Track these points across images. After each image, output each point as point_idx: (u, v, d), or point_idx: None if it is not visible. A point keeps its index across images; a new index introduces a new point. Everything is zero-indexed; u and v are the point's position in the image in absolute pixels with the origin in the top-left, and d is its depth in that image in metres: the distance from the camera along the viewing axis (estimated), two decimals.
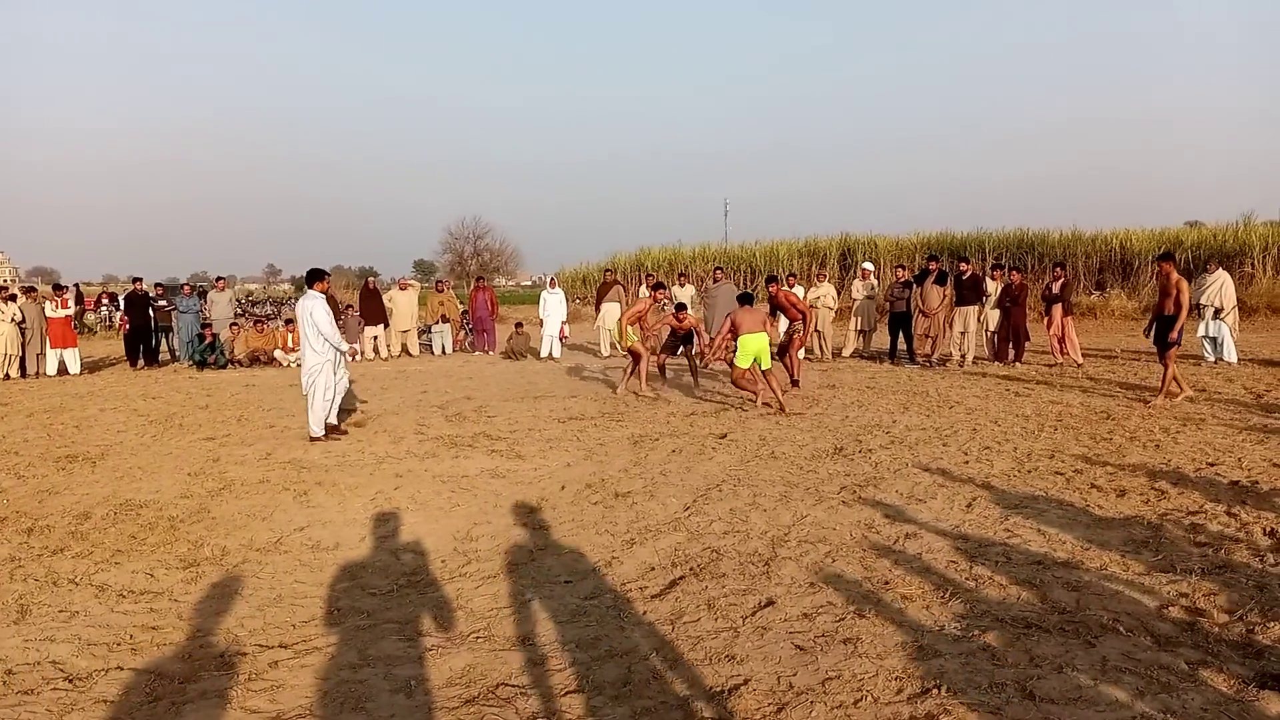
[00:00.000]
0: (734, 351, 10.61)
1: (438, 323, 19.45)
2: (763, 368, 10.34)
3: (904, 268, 16.25)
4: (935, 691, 3.35)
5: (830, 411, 10.13)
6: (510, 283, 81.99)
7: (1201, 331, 13.58)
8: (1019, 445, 7.93)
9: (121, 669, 3.79)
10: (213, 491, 6.95)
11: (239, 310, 24.87)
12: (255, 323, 19.36)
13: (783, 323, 12.85)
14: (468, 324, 20.05)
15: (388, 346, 18.52)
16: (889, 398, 11.05)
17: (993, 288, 14.57)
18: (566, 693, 3.49)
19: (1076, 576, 4.57)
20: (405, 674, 3.69)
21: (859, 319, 16.48)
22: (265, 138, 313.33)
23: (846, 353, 16.32)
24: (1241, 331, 15.06)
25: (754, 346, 10.26)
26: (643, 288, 18.95)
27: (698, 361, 12.65)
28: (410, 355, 18.72)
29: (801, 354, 15.57)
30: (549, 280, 21.06)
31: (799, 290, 16.31)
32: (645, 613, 4.30)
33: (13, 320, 15.33)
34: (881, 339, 16.43)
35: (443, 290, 20.38)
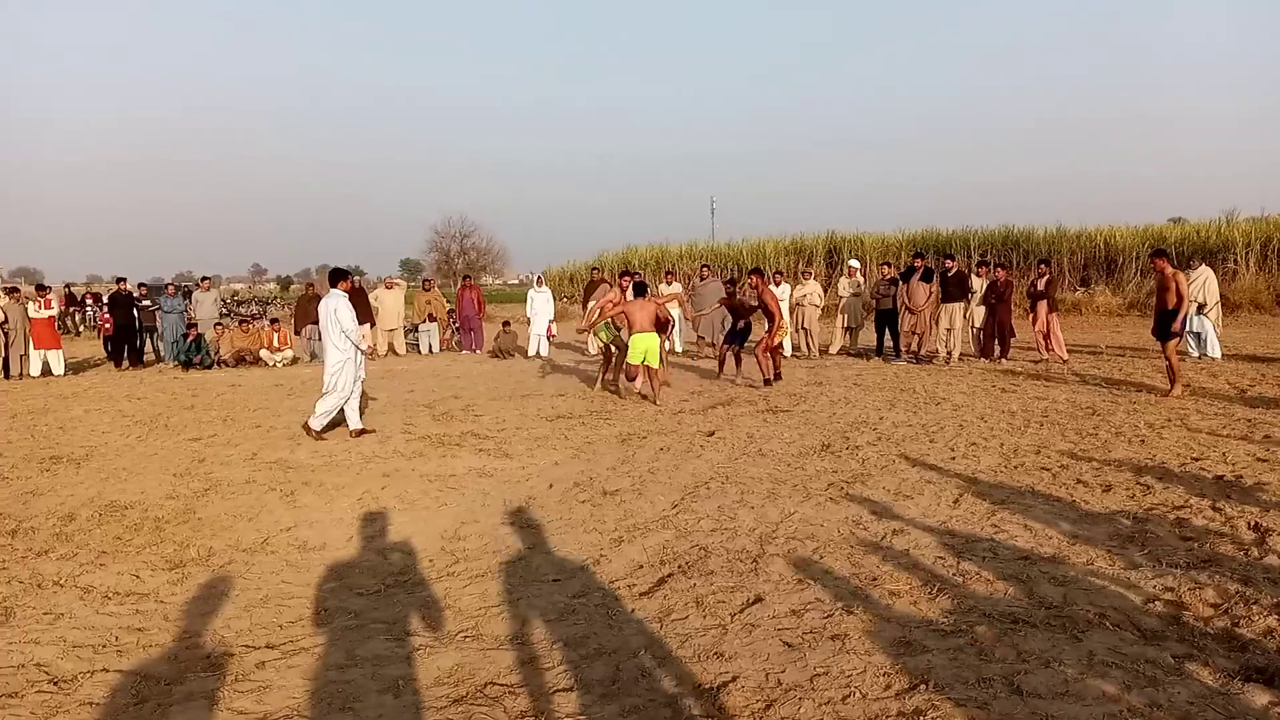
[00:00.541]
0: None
1: (425, 322, 19.40)
2: (652, 365, 10.81)
3: (890, 265, 16.29)
4: (923, 687, 3.36)
5: (817, 408, 10.15)
6: (497, 281, 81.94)
7: (1185, 327, 13.66)
8: (1005, 441, 7.97)
9: (107, 671, 3.76)
10: (199, 492, 6.91)
11: (224, 310, 24.74)
12: (240, 322, 19.29)
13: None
14: (455, 323, 20.01)
15: (373, 346, 18.45)
16: (876, 394, 11.08)
17: (978, 284, 14.64)
18: (555, 691, 3.48)
19: (1063, 571, 4.59)
20: (393, 674, 3.68)
21: (845, 316, 16.51)
22: (250, 137, 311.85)
23: (833, 350, 16.36)
24: (1225, 327, 15.18)
25: (643, 345, 10.71)
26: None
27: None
28: (397, 354, 18.66)
29: (788, 350, 15.65)
30: (536, 279, 21.02)
31: (784, 288, 16.36)
32: (634, 610, 4.30)
33: None
34: (868, 336, 16.47)
35: (429, 289, 20.33)
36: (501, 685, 3.55)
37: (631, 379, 11.15)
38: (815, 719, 3.20)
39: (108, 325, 17.37)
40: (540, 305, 18.12)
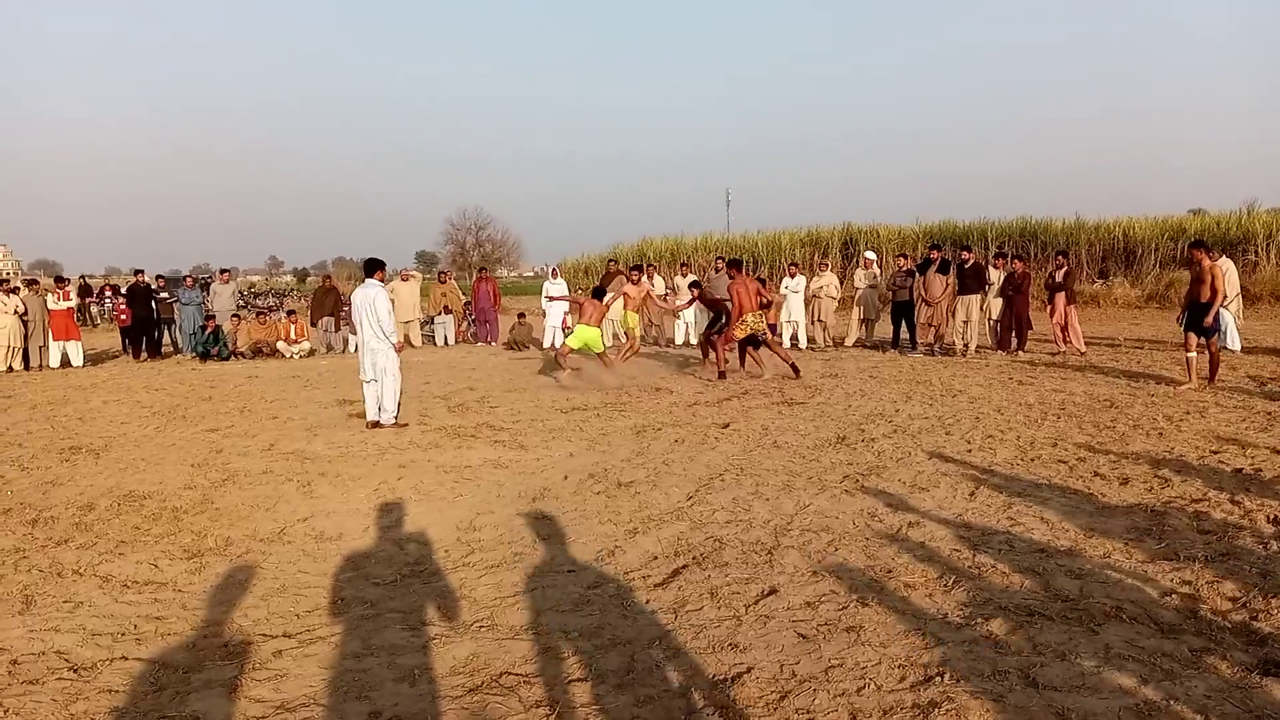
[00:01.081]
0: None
1: (440, 314, 19.44)
2: (595, 351, 12.42)
3: (906, 256, 16.21)
4: (938, 679, 3.35)
5: (833, 401, 10.12)
6: (512, 274, 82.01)
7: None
8: (1022, 434, 7.93)
9: (126, 659, 3.80)
10: (216, 482, 6.97)
11: (241, 302, 24.88)
12: (258, 314, 19.38)
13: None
14: (470, 315, 20.05)
15: (403, 341, 18.51)
16: (892, 387, 11.05)
17: (995, 276, 14.54)
18: (570, 681, 3.49)
19: (1079, 564, 4.57)
20: (409, 663, 3.70)
21: (861, 308, 16.44)
22: (268, 130, 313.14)
23: (849, 342, 16.30)
24: (1245, 319, 15.03)
25: (586, 335, 12.26)
26: (644, 279, 18.93)
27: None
28: (413, 346, 18.71)
29: (804, 342, 15.60)
30: (551, 271, 21.03)
31: (799, 280, 16.31)
32: (648, 602, 4.30)
33: (15, 312, 15.34)
34: (884, 328, 16.40)
35: (445, 281, 20.37)
36: (516, 675, 3.56)
37: (563, 357, 12.53)
38: (830, 710, 3.20)
39: (124, 317, 17.49)
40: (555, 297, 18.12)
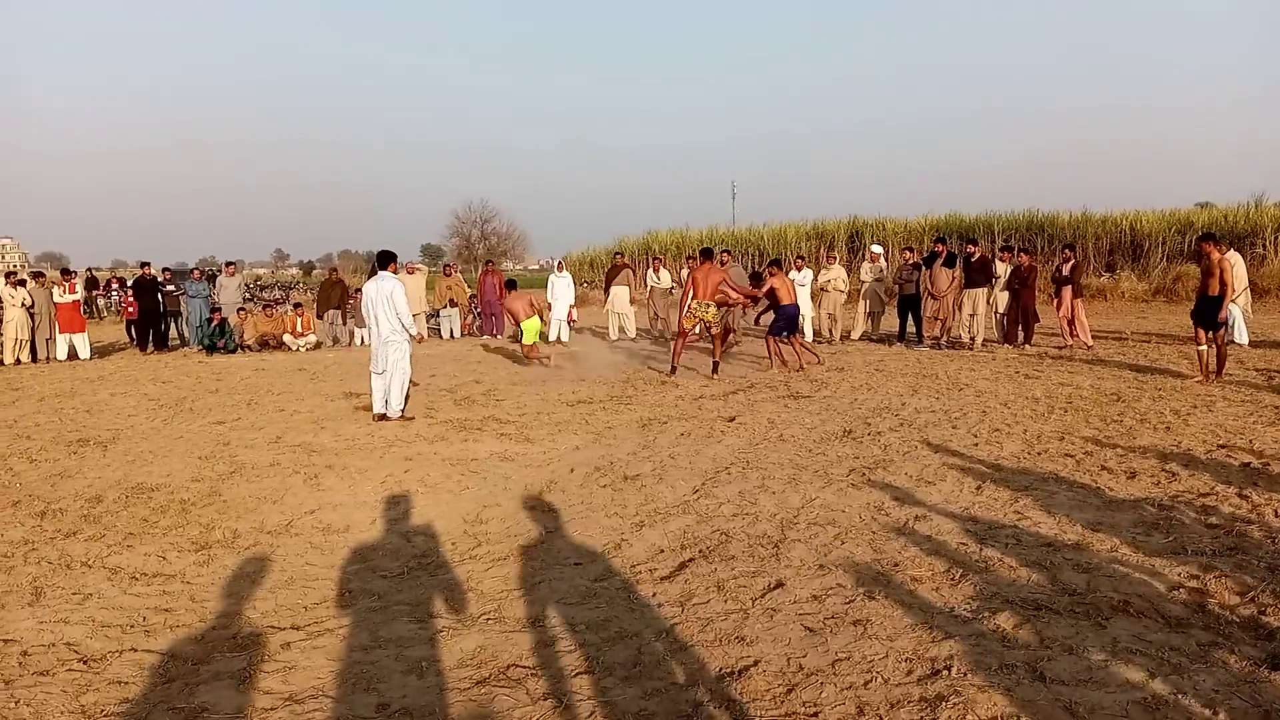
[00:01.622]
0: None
1: (446, 307, 19.45)
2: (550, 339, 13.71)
3: (912, 250, 16.17)
4: (946, 673, 3.35)
5: (839, 394, 10.11)
6: (518, 266, 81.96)
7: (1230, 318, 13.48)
8: (1029, 427, 7.92)
9: (135, 650, 3.82)
10: (223, 475, 6.99)
11: (247, 295, 24.90)
12: (264, 307, 19.39)
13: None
14: (476, 308, 20.05)
15: (422, 334, 18.52)
16: (898, 380, 11.03)
17: (1002, 269, 14.50)
18: (577, 674, 3.50)
19: (1087, 558, 4.57)
20: (417, 655, 3.71)
21: (868, 301, 16.41)
22: (272, 122, 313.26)
23: (855, 335, 16.27)
24: (1253, 313, 14.97)
25: (532, 326, 13.66)
26: (649, 271, 18.92)
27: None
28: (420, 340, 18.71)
29: (809, 335, 15.58)
30: (557, 264, 21.02)
31: (806, 273, 16.27)
32: (654, 595, 4.31)
33: (22, 305, 15.39)
34: (890, 321, 16.38)
35: (450, 274, 20.37)
36: (523, 667, 3.57)
37: (531, 352, 13.71)
38: (837, 703, 3.20)
39: (131, 310, 17.53)
40: (561, 290, 18.10)
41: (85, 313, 18.82)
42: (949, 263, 14.26)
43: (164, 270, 19.21)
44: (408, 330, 9.04)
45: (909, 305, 15.09)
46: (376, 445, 7.97)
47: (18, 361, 15.37)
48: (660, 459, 7.15)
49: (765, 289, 12.44)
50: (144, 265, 18.21)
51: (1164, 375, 10.61)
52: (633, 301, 18.19)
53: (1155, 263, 25.36)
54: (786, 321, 12.30)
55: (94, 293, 28.62)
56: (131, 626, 4.09)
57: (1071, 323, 13.81)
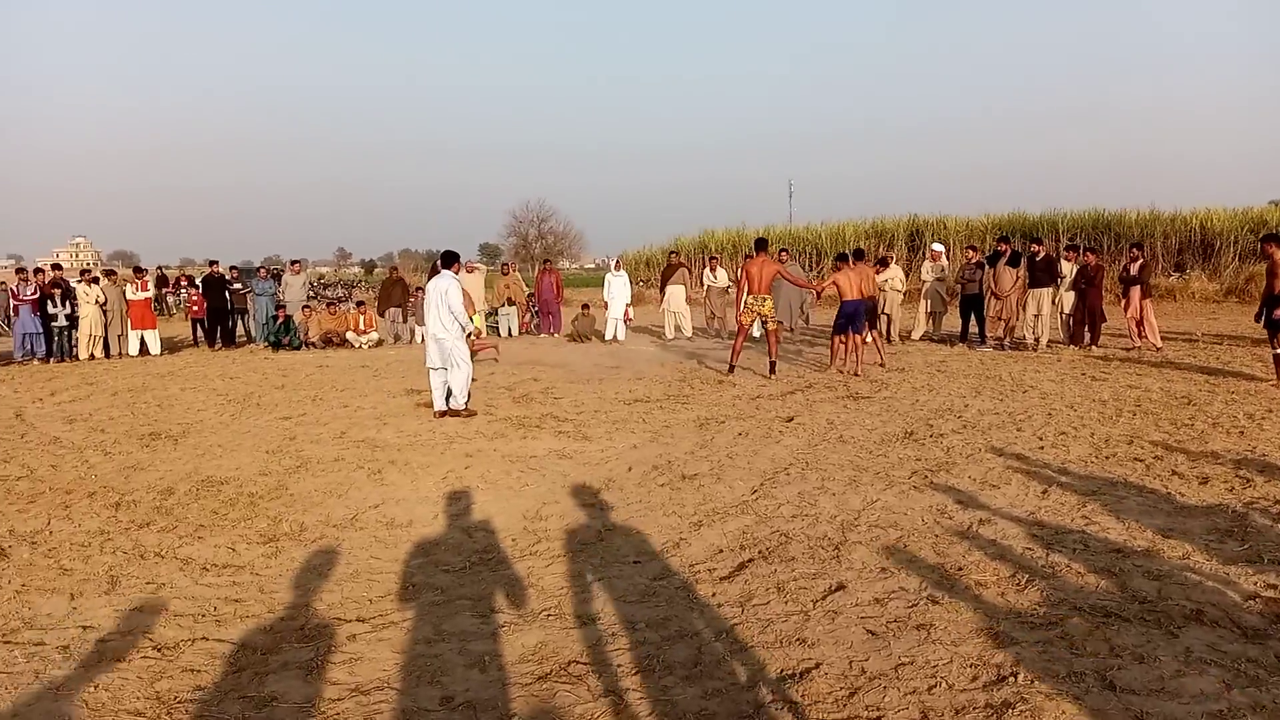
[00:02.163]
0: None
1: (504, 305, 19.63)
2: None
3: (975, 249, 15.90)
4: (1012, 679, 3.30)
5: (900, 395, 9.99)
6: (574, 265, 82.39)
7: None
8: (1096, 431, 7.74)
9: (207, 639, 3.92)
10: (290, 469, 7.14)
11: (311, 293, 25.37)
12: (328, 305, 19.75)
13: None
14: (533, 306, 20.21)
15: (480, 329, 18.72)
16: (960, 381, 10.86)
17: (1068, 269, 14.19)
18: (637, 672, 3.51)
19: (1157, 565, 4.46)
20: (479, 649, 3.76)
21: (929, 301, 16.19)
22: (336, 122, 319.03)
23: (916, 335, 16.06)
24: None
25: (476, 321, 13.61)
26: (706, 271, 18.88)
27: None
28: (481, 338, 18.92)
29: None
30: (613, 263, 21.06)
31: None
32: (714, 595, 4.30)
33: (96, 302, 15.87)
34: (952, 321, 16.13)
35: (508, 273, 20.55)
36: (584, 664, 3.59)
37: (480, 345, 13.91)
38: (900, 708, 3.17)
39: (196, 308, 17.98)
40: (617, 289, 18.15)
41: (156, 310, 19.34)
42: (1013, 262, 14.00)
43: (231, 268, 19.65)
44: (461, 324, 9.17)
45: (972, 305, 14.84)
46: (438, 441, 8.07)
47: (91, 357, 15.85)
48: (718, 458, 7.13)
49: (828, 284, 12.35)
50: (212, 264, 18.65)
51: (1237, 378, 10.29)
52: (689, 300, 18.18)
53: (1227, 262, 24.59)
54: (846, 318, 12.14)
55: (164, 290, 29.40)
56: (203, 616, 4.20)
57: (1140, 324, 13.48)
